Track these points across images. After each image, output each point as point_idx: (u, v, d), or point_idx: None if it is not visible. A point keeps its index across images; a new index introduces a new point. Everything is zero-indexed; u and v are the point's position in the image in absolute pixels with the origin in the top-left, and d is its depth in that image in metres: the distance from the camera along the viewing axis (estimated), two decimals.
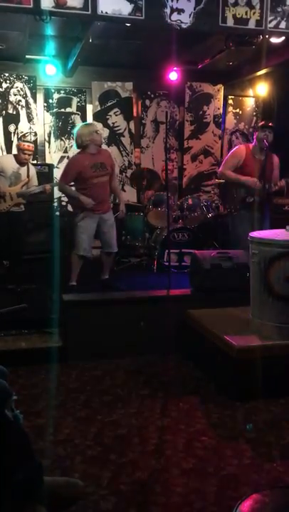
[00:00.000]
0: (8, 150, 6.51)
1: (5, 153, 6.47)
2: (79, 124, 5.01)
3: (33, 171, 5.45)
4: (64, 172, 4.76)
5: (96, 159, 4.64)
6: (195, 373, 3.45)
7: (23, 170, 5.31)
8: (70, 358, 3.62)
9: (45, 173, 6.30)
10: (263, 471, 2.31)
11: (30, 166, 5.45)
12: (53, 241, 5.48)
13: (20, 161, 5.31)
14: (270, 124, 4.59)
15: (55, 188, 6.04)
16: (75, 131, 4.77)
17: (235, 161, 4.60)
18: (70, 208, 6.88)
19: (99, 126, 4.81)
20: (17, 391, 1.99)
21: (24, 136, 6.48)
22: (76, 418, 2.80)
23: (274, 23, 4.33)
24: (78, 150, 4.75)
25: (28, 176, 5.31)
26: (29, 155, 5.38)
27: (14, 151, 5.92)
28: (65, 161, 6.95)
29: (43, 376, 3.38)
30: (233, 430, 2.69)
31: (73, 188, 4.74)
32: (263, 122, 4.60)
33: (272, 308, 3.24)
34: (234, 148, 4.88)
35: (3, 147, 6.52)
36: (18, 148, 5.34)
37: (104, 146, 5.63)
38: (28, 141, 5.61)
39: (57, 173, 6.57)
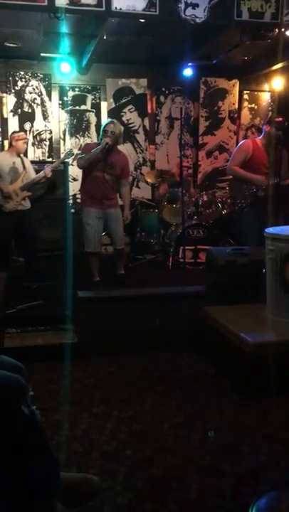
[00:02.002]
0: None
1: None
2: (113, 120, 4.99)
3: (27, 161, 5.42)
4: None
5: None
6: (210, 370, 3.44)
7: (19, 163, 5.27)
8: (85, 354, 3.63)
9: (60, 171, 6.33)
10: (279, 468, 2.30)
11: (23, 157, 5.43)
12: (67, 238, 5.50)
13: (19, 152, 5.28)
14: (285, 124, 4.53)
15: (70, 186, 6.06)
16: (121, 129, 4.79)
17: (243, 155, 4.55)
18: None
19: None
20: (33, 387, 2.00)
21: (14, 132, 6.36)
22: (92, 414, 2.81)
23: None
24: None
25: (24, 167, 5.31)
26: (25, 143, 5.43)
27: (5, 148, 5.92)
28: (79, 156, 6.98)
29: (58, 372, 3.40)
30: (249, 427, 2.68)
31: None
32: (280, 119, 4.50)
33: (288, 305, 3.21)
34: (241, 143, 4.84)
35: None
36: (16, 140, 5.26)
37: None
38: (19, 132, 5.63)
39: (71, 171, 6.62)
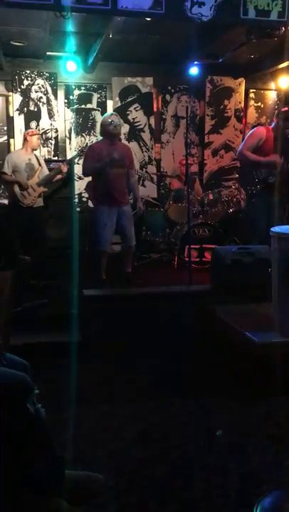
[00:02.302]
0: None
1: None
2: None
3: (40, 158, 5.51)
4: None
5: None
6: (215, 369, 3.43)
7: (34, 159, 5.35)
8: (90, 352, 3.64)
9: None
10: (284, 468, 2.29)
11: (37, 153, 5.50)
12: (72, 237, 5.51)
13: (34, 148, 5.38)
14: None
15: (76, 185, 6.06)
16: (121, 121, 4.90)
17: (256, 141, 4.49)
18: (90, 204, 6.94)
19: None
20: (39, 385, 2.01)
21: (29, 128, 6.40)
22: (97, 412, 2.81)
23: None
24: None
25: (39, 164, 5.37)
26: (39, 138, 5.52)
27: (19, 145, 5.99)
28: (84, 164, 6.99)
29: (64, 370, 3.40)
30: (254, 426, 2.67)
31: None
32: (286, 108, 4.47)
33: None
34: (254, 129, 4.77)
35: None
36: (30, 135, 5.34)
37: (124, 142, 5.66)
38: (30, 128, 5.73)
39: (77, 169, 6.63)
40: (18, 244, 5.37)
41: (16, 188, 5.06)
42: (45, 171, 5.37)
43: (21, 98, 6.68)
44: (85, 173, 4.91)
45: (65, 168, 5.45)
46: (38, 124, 6.73)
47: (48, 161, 6.03)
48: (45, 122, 6.78)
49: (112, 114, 4.91)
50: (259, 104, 7.55)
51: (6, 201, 5.18)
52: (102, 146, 4.79)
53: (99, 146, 4.83)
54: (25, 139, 5.34)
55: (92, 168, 4.73)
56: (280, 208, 4.36)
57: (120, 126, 4.83)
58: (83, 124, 6.99)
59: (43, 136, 6.82)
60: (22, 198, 5.08)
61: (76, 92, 6.91)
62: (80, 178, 6.88)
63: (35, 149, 5.47)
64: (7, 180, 5.13)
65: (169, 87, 7.23)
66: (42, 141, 6.84)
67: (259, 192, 4.47)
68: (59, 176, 5.46)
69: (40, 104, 6.77)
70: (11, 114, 6.71)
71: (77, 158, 6.80)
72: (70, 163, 6.18)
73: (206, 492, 2.11)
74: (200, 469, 2.27)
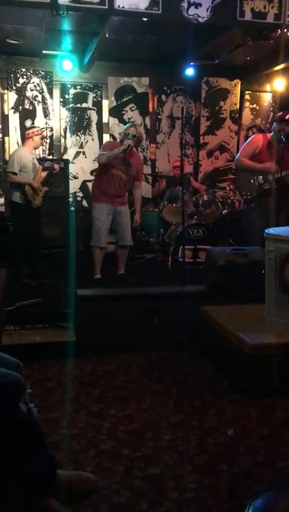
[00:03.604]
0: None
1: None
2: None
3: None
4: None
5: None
6: (208, 370, 3.44)
7: (35, 159, 5.33)
8: (84, 352, 3.63)
9: (60, 169, 6.32)
10: (276, 468, 2.30)
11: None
12: (67, 236, 5.50)
13: (37, 147, 5.37)
14: (286, 118, 4.53)
15: (71, 184, 6.04)
16: (142, 132, 4.94)
17: (252, 149, 4.55)
18: (84, 203, 6.95)
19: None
20: (31, 385, 2.00)
21: (31, 126, 6.32)
22: (90, 412, 2.81)
23: None
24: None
25: (39, 163, 5.34)
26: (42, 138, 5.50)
27: (14, 143, 5.96)
28: (81, 155, 6.99)
29: (57, 370, 3.40)
30: (247, 427, 2.68)
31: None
32: (280, 114, 4.53)
33: (288, 306, 3.21)
34: (251, 137, 4.84)
35: (20, 142, 6.55)
36: (36, 135, 5.27)
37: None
38: (34, 127, 5.65)
39: (72, 169, 6.62)
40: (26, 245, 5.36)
41: (29, 189, 5.05)
42: (40, 172, 5.35)
43: (16, 96, 6.66)
44: (101, 160, 4.86)
45: (58, 168, 5.45)
46: (33, 123, 6.70)
47: (42, 160, 6.01)
48: (40, 121, 6.76)
49: (131, 126, 4.88)
50: (254, 105, 7.58)
51: (18, 200, 5.09)
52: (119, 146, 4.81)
53: (117, 144, 4.86)
54: (29, 138, 5.26)
55: (107, 155, 4.71)
56: (277, 213, 4.40)
57: (139, 137, 4.79)
58: (78, 123, 6.98)
59: (34, 130, 6.78)
60: (33, 199, 5.07)
61: (72, 91, 6.90)
62: (74, 177, 6.88)
63: (37, 148, 5.47)
64: (19, 182, 5.04)
65: (165, 88, 7.24)
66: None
67: (255, 198, 4.53)
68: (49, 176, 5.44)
69: (36, 102, 6.75)
70: (6, 112, 6.69)
71: (71, 158, 6.81)
72: (66, 163, 6.19)
73: (198, 492, 2.11)
74: (192, 469, 2.28)
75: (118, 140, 5.08)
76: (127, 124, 5.03)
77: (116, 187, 4.75)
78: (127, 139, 4.70)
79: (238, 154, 4.74)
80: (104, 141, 6.84)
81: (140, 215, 5.10)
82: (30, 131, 5.28)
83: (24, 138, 5.46)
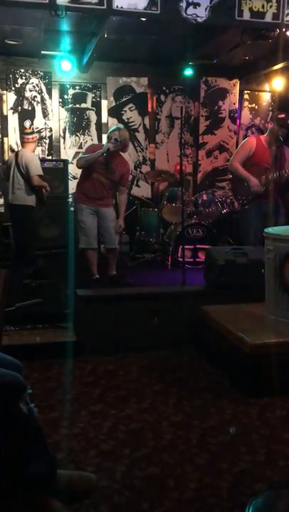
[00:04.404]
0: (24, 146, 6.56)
1: (20, 148, 6.49)
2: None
3: None
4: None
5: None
6: (208, 369, 3.44)
7: None
8: (84, 352, 3.64)
9: (59, 169, 6.33)
10: (277, 468, 2.30)
11: None
12: (67, 236, 5.50)
13: (34, 151, 5.45)
14: (279, 116, 4.56)
15: (70, 184, 6.03)
16: (126, 136, 4.80)
17: (246, 152, 4.61)
18: None
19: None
20: (32, 385, 2.00)
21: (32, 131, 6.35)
22: (90, 412, 2.81)
23: None
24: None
25: None
26: None
27: (13, 144, 6.05)
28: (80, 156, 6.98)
29: (57, 370, 3.40)
30: (247, 426, 2.68)
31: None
32: (282, 115, 4.53)
33: (287, 305, 3.22)
34: (245, 140, 4.89)
35: (19, 143, 6.54)
36: (34, 141, 5.39)
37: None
38: (33, 132, 5.73)
39: (71, 169, 6.61)
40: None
41: (44, 191, 5.16)
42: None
43: (15, 97, 6.66)
44: (79, 164, 4.85)
45: None
46: (32, 123, 6.71)
47: (42, 160, 6.01)
48: (39, 121, 6.76)
49: (115, 129, 4.76)
50: (253, 105, 7.57)
51: (32, 203, 5.18)
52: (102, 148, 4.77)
53: (100, 146, 4.83)
54: (33, 142, 5.40)
55: (85, 159, 4.71)
56: (272, 215, 4.42)
57: (122, 141, 4.66)
58: (78, 123, 6.97)
59: (37, 135, 6.80)
60: (44, 200, 5.18)
61: (71, 92, 6.90)
62: (74, 177, 6.87)
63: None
64: (44, 185, 5.18)
65: (164, 88, 7.23)
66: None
67: (249, 201, 4.56)
68: None
69: (35, 103, 6.75)
70: (5, 113, 6.69)
71: (71, 158, 6.80)
72: (65, 163, 6.19)
73: (198, 492, 2.11)
74: (193, 469, 2.28)
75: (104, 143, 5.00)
76: (113, 128, 4.90)
77: (97, 190, 4.71)
78: (109, 142, 4.64)
79: (232, 158, 4.78)
80: (103, 141, 6.83)
81: (123, 220, 4.98)
82: (33, 136, 5.36)
83: (25, 141, 5.46)
